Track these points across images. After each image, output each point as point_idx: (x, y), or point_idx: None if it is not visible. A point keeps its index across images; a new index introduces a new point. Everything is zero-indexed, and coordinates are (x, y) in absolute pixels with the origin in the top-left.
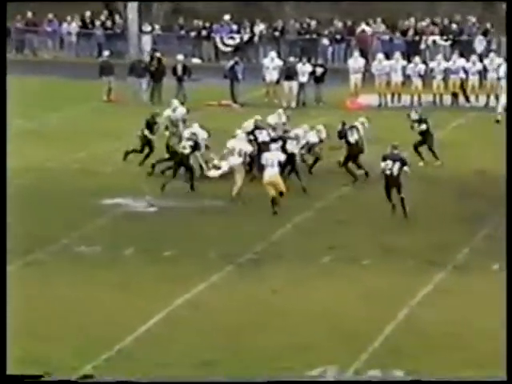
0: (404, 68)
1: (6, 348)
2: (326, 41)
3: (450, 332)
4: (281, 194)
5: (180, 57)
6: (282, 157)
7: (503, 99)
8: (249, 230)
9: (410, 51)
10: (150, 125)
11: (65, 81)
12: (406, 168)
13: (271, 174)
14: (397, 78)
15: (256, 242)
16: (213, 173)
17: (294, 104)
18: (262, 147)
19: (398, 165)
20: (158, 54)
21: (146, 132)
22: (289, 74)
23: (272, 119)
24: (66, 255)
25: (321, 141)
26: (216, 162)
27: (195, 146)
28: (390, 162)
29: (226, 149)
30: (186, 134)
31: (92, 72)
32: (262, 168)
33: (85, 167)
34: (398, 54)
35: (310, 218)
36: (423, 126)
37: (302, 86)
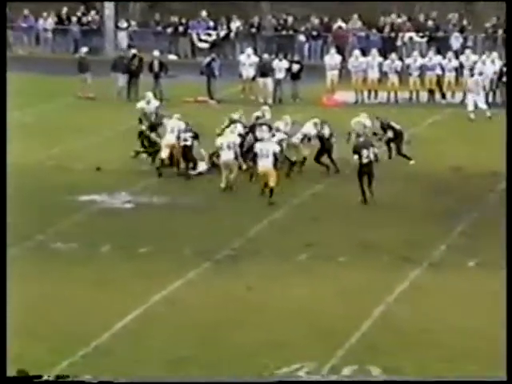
0: (380, 65)
1: (6, 348)
2: (302, 37)
3: (425, 328)
4: (265, 185)
5: (156, 53)
6: (277, 148)
7: (481, 97)
8: (226, 226)
9: (387, 48)
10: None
11: (40, 77)
12: (376, 150)
13: (265, 164)
14: (373, 74)
15: (233, 238)
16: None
17: (270, 100)
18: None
19: (372, 150)
20: (134, 51)
21: (143, 127)
22: (264, 70)
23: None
24: (42, 252)
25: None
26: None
27: (195, 137)
28: (365, 151)
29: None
30: (170, 126)
31: (68, 68)
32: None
33: (60, 163)
34: (374, 51)
35: (287, 215)
36: (389, 134)
37: (278, 82)
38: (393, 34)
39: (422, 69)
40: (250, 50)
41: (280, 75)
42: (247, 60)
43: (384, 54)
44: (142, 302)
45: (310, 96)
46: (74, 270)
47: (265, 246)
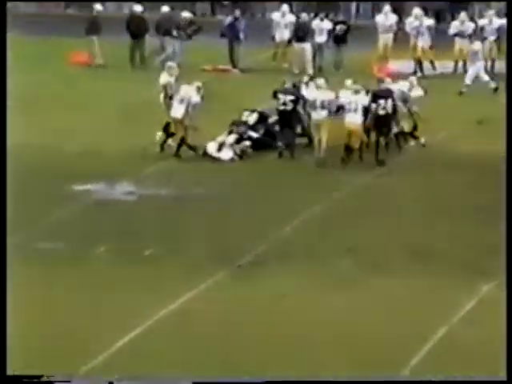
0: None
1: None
2: None
3: (493, 352)
4: (349, 149)
5: (165, 8)
6: (367, 100)
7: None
8: (248, 225)
9: (454, 5)
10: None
11: (23, 38)
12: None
13: (353, 120)
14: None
15: (257, 240)
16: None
17: (310, 70)
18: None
19: (390, 102)
20: (139, 8)
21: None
22: (301, 32)
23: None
24: (26, 251)
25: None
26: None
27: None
28: (382, 101)
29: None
30: (180, 95)
31: (56, 27)
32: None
33: (50, 145)
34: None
35: (324, 213)
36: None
37: (319, 47)
38: None
39: (500, 31)
40: (285, 7)
41: (321, 39)
42: (282, 19)
43: (451, 14)
44: (146, 317)
45: (357, 65)
46: (61, 274)
47: (296, 251)
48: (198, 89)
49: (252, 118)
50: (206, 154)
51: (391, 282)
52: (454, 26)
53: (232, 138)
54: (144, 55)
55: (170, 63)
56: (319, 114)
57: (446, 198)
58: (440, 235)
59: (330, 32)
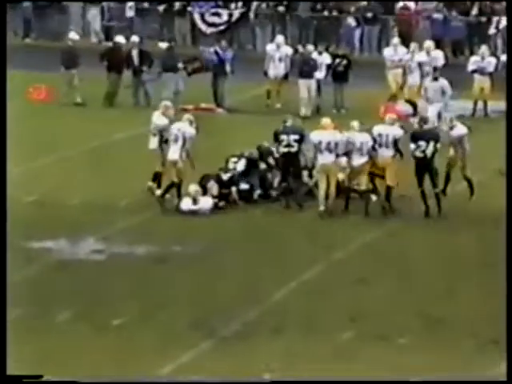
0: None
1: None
2: (351, 21)
3: None
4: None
5: (135, 39)
6: (400, 132)
7: None
8: (235, 289)
9: (474, 38)
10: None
11: None
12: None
13: (384, 155)
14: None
15: (246, 306)
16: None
17: (308, 111)
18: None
19: (432, 145)
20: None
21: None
22: (308, 68)
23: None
24: None
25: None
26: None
27: None
28: (422, 143)
29: None
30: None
31: (16, 59)
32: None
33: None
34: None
35: (324, 275)
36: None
37: (317, 84)
38: (483, 19)
39: None
40: (280, 38)
41: (319, 74)
42: (276, 52)
43: (470, 47)
44: None
45: (360, 105)
46: (15, 348)
47: (291, 320)
48: (191, 122)
49: (240, 165)
50: (180, 210)
51: (399, 359)
52: (474, 62)
53: (215, 189)
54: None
55: (166, 102)
56: (326, 158)
57: (464, 258)
58: (456, 304)
59: (329, 67)
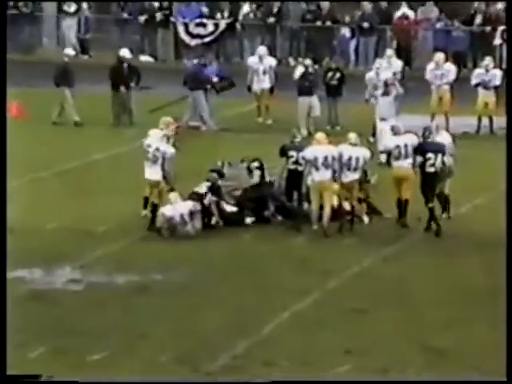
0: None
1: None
2: (345, 31)
3: None
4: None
5: (125, 52)
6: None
7: None
8: (223, 320)
9: (477, 49)
10: None
11: None
12: (445, 159)
13: (403, 165)
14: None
15: (234, 338)
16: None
17: (305, 131)
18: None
19: (440, 158)
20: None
21: None
22: (310, 83)
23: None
24: None
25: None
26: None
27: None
28: (431, 155)
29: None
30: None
31: None
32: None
33: None
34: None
35: (317, 304)
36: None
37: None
38: (487, 28)
39: None
40: (262, 50)
41: None
42: (260, 64)
43: (473, 59)
44: None
45: (356, 121)
46: None
47: (283, 352)
48: (168, 139)
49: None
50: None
51: None
52: (477, 75)
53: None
54: (131, 110)
55: (167, 118)
56: (323, 175)
57: (467, 285)
58: (459, 334)
59: (321, 81)
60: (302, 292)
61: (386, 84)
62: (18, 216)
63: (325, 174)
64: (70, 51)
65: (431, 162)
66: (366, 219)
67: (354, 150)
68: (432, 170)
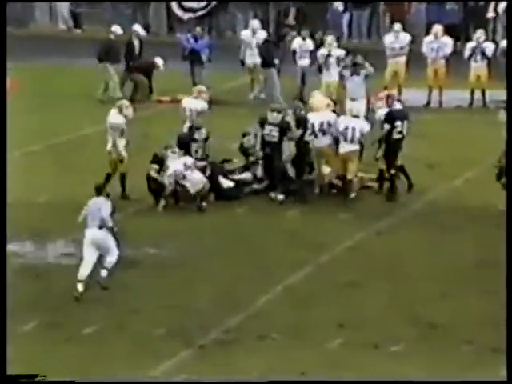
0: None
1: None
2: (338, 5)
3: None
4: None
5: (138, 28)
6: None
7: None
8: (216, 294)
9: (470, 22)
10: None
11: None
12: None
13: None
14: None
15: (227, 312)
16: None
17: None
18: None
19: (406, 124)
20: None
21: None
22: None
23: None
24: None
25: None
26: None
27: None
28: (399, 123)
29: None
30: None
31: None
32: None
33: None
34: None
35: (310, 278)
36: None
37: (302, 72)
38: (481, 2)
39: None
40: (255, 23)
41: (304, 62)
42: (253, 38)
43: (466, 33)
44: None
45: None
46: None
47: (276, 326)
48: (120, 110)
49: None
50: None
51: (391, 366)
52: (470, 48)
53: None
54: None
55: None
56: (320, 141)
57: (460, 259)
58: (451, 308)
59: (314, 54)
60: (295, 266)
61: (354, 64)
62: (9, 190)
63: (322, 140)
64: (117, 30)
65: (398, 129)
66: (352, 195)
67: (352, 120)
68: (399, 136)
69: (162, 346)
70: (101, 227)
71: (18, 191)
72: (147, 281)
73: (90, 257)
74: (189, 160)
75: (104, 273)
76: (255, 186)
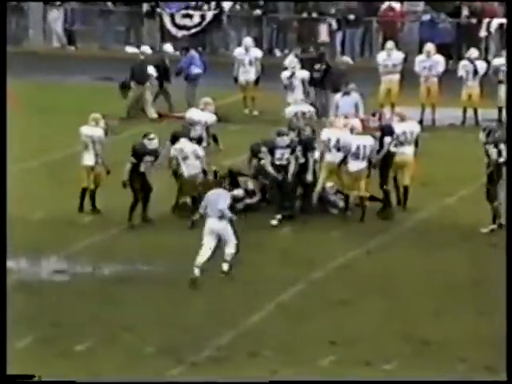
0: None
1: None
2: (332, 22)
3: None
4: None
5: (168, 48)
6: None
7: None
8: (208, 310)
9: (463, 41)
10: None
11: None
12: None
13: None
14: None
15: (219, 330)
16: None
17: None
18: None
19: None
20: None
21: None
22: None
23: None
24: None
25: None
26: None
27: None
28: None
29: None
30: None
31: None
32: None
33: None
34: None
35: (302, 296)
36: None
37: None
38: (473, 20)
39: None
40: (248, 41)
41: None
42: (245, 56)
43: (458, 50)
44: None
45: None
46: None
47: (268, 343)
48: (96, 123)
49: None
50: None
51: None
52: (463, 66)
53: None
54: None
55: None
56: (334, 157)
57: (452, 277)
58: (445, 326)
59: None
60: (287, 283)
61: (346, 83)
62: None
63: (337, 156)
64: (147, 49)
65: (394, 142)
66: (349, 213)
67: (361, 138)
68: (394, 150)
69: (154, 362)
70: (220, 218)
71: (14, 207)
72: (139, 297)
73: (208, 245)
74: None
75: (225, 266)
76: (248, 201)
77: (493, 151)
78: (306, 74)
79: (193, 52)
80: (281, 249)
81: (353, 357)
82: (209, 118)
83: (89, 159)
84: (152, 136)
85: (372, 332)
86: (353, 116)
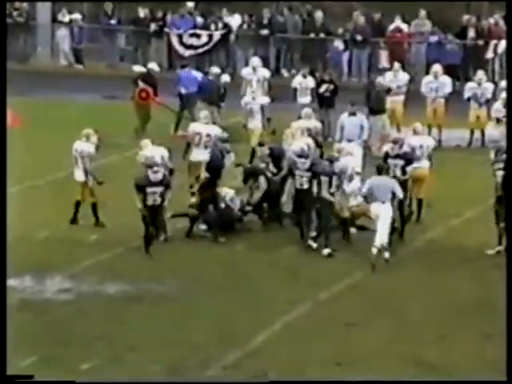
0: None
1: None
2: (339, 43)
3: None
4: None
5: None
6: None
7: None
8: (213, 331)
9: (470, 62)
10: None
11: None
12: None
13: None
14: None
15: (224, 349)
16: None
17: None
18: None
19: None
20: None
21: None
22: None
23: None
24: None
25: None
26: None
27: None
28: (399, 161)
29: None
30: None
31: None
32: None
33: None
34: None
35: (308, 316)
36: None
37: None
38: (480, 42)
39: None
40: (256, 60)
41: (304, 99)
42: (253, 75)
43: (465, 72)
44: None
45: None
46: None
47: (273, 364)
48: (87, 138)
49: None
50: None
51: None
52: (470, 88)
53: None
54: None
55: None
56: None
57: (459, 299)
58: (452, 348)
59: (314, 91)
60: (294, 303)
61: (352, 104)
62: (9, 225)
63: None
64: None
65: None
66: (353, 230)
67: (348, 159)
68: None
69: (159, 381)
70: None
71: (19, 226)
72: (145, 316)
73: (380, 227)
74: None
75: (387, 255)
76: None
77: (499, 173)
78: (266, 100)
79: (183, 71)
80: (287, 268)
81: (358, 378)
82: (218, 131)
83: (79, 175)
84: (156, 169)
85: (378, 353)
86: (358, 136)
